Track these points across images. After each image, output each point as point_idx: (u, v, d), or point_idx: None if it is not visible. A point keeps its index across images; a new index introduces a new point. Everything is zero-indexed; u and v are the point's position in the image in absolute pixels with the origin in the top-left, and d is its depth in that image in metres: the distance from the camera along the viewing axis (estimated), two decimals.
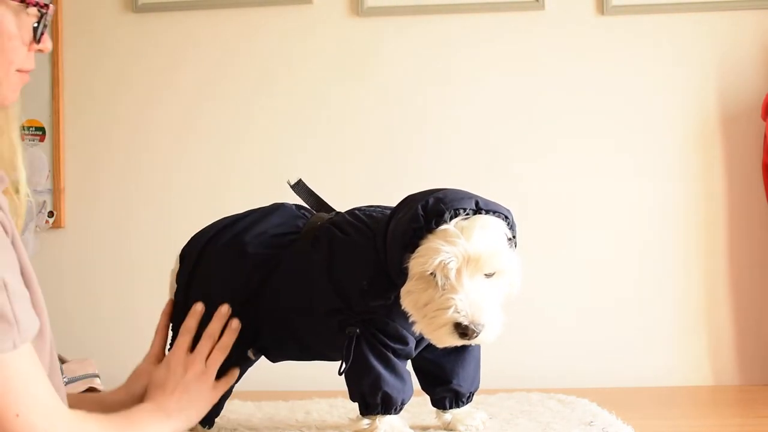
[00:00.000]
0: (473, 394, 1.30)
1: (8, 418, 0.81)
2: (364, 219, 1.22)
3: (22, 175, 0.99)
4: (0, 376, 0.80)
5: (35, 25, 0.92)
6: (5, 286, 0.80)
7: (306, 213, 1.31)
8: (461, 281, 1.06)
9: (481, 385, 1.32)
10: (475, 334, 1.05)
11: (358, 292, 1.17)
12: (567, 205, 1.95)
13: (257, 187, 1.96)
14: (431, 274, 1.07)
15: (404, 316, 1.15)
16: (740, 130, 1.94)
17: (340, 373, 1.18)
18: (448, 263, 1.05)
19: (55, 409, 0.87)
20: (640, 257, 1.94)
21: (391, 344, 1.17)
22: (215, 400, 1.21)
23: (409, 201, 1.15)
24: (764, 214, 1.92)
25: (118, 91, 2.04)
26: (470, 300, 1.06)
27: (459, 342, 1.08)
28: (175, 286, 1.29)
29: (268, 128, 2.01)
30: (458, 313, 1.05)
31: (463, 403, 1.29)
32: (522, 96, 1.97)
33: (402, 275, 1.10)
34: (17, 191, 0.97)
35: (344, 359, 1.16)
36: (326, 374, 1.38)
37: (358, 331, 1.16)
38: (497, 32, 1.98)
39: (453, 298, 1.05)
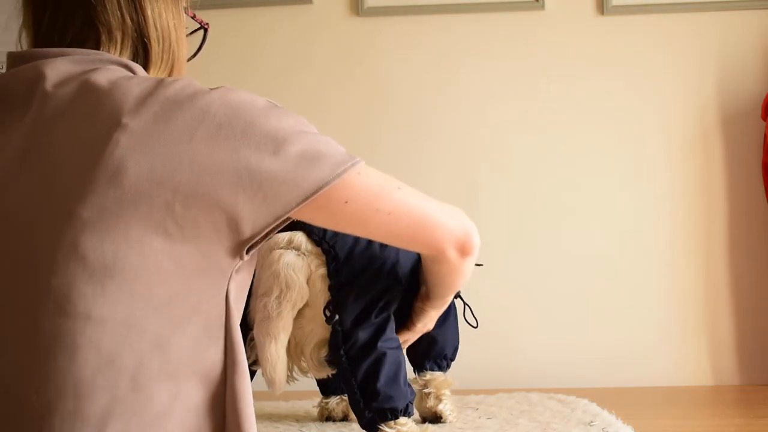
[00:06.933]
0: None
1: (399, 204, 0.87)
2: None
3: None
4: (366, 181, 0.84)
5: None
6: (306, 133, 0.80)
7: None
8: None
9: (481, 385, 1.32)
10: None
11: None
12: (566, 204, 1.94)
13: None
14: None
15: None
16: (740, 130, 1.93)
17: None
18: None
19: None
20: (640, 257, 1.94)
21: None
22: None
23: None
24: (764, 214, 1.92)
25: None
26: None
27: None
28: None
29: None
30: None
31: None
32: (522, 95, 1.97)
33: None
34: None
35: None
36: None
37: None
38: (497, 32, 1.98)
39: None
